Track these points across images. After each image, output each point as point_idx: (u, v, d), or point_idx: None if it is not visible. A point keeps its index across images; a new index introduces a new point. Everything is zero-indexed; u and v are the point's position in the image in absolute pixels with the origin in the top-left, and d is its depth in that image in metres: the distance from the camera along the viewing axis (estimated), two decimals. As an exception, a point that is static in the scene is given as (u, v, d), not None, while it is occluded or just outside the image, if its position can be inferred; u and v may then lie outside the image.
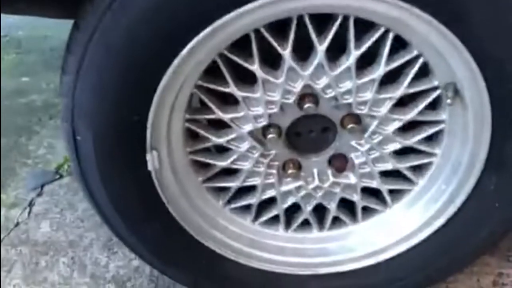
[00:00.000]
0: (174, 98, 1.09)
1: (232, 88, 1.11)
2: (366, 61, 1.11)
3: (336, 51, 1.09)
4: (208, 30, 0.97)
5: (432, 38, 0.99)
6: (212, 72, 1.13)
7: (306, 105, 1.13)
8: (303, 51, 1.09)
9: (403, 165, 1.24)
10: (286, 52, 1.07)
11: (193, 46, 0.99)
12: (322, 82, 1.10)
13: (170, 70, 1.01)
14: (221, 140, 1.20)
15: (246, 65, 1.08)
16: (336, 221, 1.35)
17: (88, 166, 1.14)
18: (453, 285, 1.52)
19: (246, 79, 1.13)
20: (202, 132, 1.19)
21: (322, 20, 1.07)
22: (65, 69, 1.07)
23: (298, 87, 1.11)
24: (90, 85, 1.02)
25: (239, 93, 1.12)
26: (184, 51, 0.99)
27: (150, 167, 1.14)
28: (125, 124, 1.07)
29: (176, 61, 1.00)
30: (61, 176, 1.94)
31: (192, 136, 1.22)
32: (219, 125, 1.20)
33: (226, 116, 1.16)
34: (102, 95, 1.03)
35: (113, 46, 0.97)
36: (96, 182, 1.16)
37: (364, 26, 1.06)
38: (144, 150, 1.12)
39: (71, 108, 1.06)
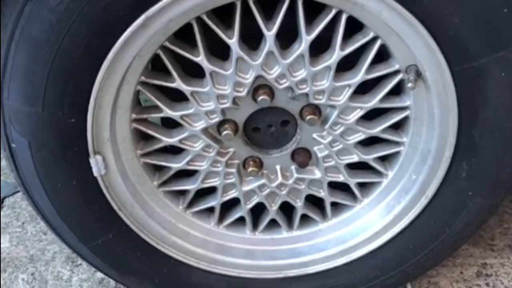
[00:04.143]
0: (115, 96, 1.01)
1: (178, 83, 1.03)
2: (321, 47, 1.03)
3: (288, 38, 1.02)
4: (141, 19, 0.89)
5: (385, 16, 0.92)
6: (157, 67, 1.06)
7: (261, 98, 1.06)
8: (252, 40, 1.02)
9: (370, 157, 1.17)
10: (233, 41, 0.99)
11: (127, 38, 0.91)
12: (275, 71, 1.03)
13: (104, 66, 0.93)
14: (172, 140, 1.12)
15: (189, 56, 1.00)
16: (305, 219, 1.28)
17: (28, 175, 1.06)
18: (435, 279, 1.46)
19: (195, 73, 1.05)
20: (151, 132, 1.11)
21: (270, 5, 0.99)
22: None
23: (249, 78, 1.03)
24: (18, 87, 0.94)
25: (186, 88, 1.04)
26: (118, 44, 0.91)
27: (95, 172, 1.06)
28: (62, 128, 0.99)
29: (110, 56, 0.92)
30: (23, 188, 1.85)
31: (142, 137, 1.14)
32: (172, 124, 1.13)
33: (175, 114, 1.08)
34: (32, 97, 0.94)
35: (38, 41, 0.88)
36: (39, 192, 1.08)
37: (316, 9, 0.99)
38: (87, 155, 1.04)
39: (2, 113, 0.97)
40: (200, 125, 1.09)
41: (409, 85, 1.00)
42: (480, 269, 1.49)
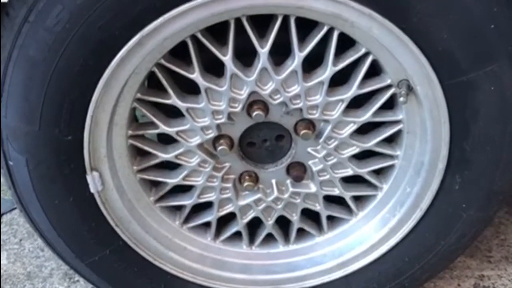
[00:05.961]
0: (111, 113, 1.03)
1: (173, 100, 1.05)
2: (314, 63, 1.05)
3: (281, 54, 1.04)
4: (136, 38, 0.91)
5: (375, 32, 0.94)
6: (153, 83, 1.07)
7: (255, 113, 1.07)
8: (246, 57, 1.04)
9: (364, 170, 1.18)
10: (227, 58, 1.01)
11: (122, 57, 0.93)
12: (269, 87, 1.05)
13: (100, 84, 0.95)
14: (168, 156, 1.13)
15: (184, 73, 1.02)
16: (302, 233, 1.28)
17: (25, 192, 1.07)
18: (432, 292, 1.46)
19: (190, 89, 1.07)
20: (147, 148, 1.12)
21: (263, 23, 1.01)
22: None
23: (244, 94, 1.05)
24: (15, 105, 0.95)
25: (181, 104, 1.06)
26: (113, 62, 0.93)
27: (92, 189, 1.07)
28: (59, 145, 1.00)
29: (106, 74, 0.94)
30: (21, 204, 1.85)
31: (139, 153, 1.16)
32: (168, 140, 1.14)
33: (171, 130, 1.09)
34: (29, 115, 0.96)
35: (35, 60, 0.90)
36: (36, 209, 1.09)
37: (309, 27, 1.01)
38: (84, 172, 1.05)
39: (-1, 131, 0.99)
40: (195, 140, 1.11)
41: (401, 99, 1.02)
42: (478, 281, 1.49)
